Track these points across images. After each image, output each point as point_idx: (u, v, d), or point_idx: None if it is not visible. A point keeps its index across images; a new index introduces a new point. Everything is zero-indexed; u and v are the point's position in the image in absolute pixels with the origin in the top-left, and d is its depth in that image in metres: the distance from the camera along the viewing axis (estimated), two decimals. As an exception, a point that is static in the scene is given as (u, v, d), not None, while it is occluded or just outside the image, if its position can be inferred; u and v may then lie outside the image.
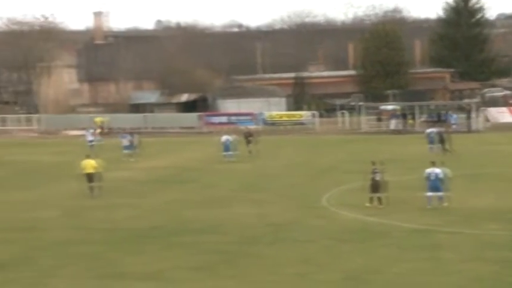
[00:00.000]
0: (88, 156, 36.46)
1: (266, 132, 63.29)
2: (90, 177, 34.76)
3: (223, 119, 70.30)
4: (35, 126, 70.31)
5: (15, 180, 40.87)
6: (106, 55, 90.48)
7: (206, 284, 21.05)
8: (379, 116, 68.81)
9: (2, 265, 23.27)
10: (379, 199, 30.79)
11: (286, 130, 66.38)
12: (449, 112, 65.98)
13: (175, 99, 79.69)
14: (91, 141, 51.94)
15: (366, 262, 22.84)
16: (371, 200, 30.85)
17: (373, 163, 31.62)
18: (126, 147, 47.51)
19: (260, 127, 67.43)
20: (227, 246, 25.17)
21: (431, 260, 22.84)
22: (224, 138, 46.94)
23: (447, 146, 47.50)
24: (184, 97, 79.80)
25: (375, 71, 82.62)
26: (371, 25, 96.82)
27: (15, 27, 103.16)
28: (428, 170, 30.43)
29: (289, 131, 66.04)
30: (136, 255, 24.14)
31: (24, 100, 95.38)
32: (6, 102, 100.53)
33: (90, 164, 35.02)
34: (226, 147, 46.50)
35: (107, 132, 62.42)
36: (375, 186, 30.89)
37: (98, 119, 68.27)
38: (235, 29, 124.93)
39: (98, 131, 54.90)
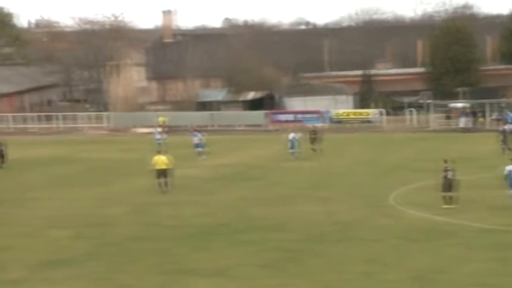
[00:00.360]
0: (159, 153, 37.37)
1: (332, 130, 63.07)
2: (161, 173, 35.53)
3: (290, 116, 70.24)
4: (104, 124, 71.52)
5: (86, 177, 41.68)
6: (174, 53, 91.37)
7: (272, 282, 21.13)
8: (448, 114, 67.77)
9: (72, 260, 23.80)
10: (451, 198, 30.38)
11: (352, 128, 65.99)
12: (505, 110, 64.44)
13: (242, 97, 79.96)
14: (159, 139, 52.64)
15: (433, 262, 22.60)
16: (445, 200, 30.35)
17: (445, 161, 31.20)
18: (197, 145, 47.90)
19: (326, 125, 67.21)
20: (293, 244, 25.22)
21: (500, 261, 22.46)
22: (291, 135, 47.04)
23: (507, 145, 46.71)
24: (250, 95, 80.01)
25: (444, 68, 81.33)
26: (441, 21, 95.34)
27: (86, 26, 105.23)
28: (509, 168, 29.79)
29: (355, 129, 65.63)
30: (203, 252, 24.39)
31: (94, 98, 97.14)
32: (77, 100, 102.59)
33: (161, 160, 35.81)
34: (292, 144, 46.62)
35: (167, 130, 62.97)
36: (447, 185, 30.46)
37: (161, 118, 69.04)
38: (303, 27, 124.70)
39: (159, 129, 55.47)
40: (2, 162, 46.02)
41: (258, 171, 42.35)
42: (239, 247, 24.89)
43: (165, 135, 54.26)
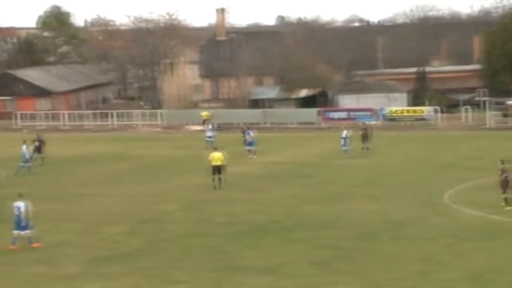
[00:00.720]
0: (215, 149, 37.79)
1: (386, 128, 62.51)
2: (216, 169, 35.97)
3: (343, 114, 69.77)
4: (158, 122, 72.04)
5: (140, 174, 42.04)
6: (227, 51, 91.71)
7: (323, 280, 21.02)
8: (506, 111, 66.55)
9: (125, 256, 24.03)
10: (506, 199, 29.78)
11: (406, 126, 65.26)
12: None
13: (294, 95, 79.80)
14: (210, 136, 52.77)
15: (488, 261, 22.22)
16: (506, 201, 29.75)
17: (502, 162, 30.57)
18: (250, 143, 47.86)
19: (379, 123, 66.65)
20: (344, 242, 25.06)
21: (559, 261, 21.97)
22: (344, 133, 46.77)
23: None
24: (303, 92, 79.78)
25: (500, 65, 79.88)
26: (498, 17, 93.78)
27: (141, 25, 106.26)
28: None
29: (409, 127, 64.89)
30: (255, 249, 24.40)
31: (148, 96, 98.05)
32: (132, 98, 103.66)
33: (217, 157, 36.20)
34: (345, 142, 46.36)
35: (217, 127, 63.04)
36: (505, 185, 29.86)
37: (204, 113, 69.21)
38: (356, 24, 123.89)
39: (210, 126, 55.44)
40: (42, 158, 46.72)
41: (310, 169, 42.18)
42: (290, 245, 24.83)
43: (215, 133, 54.31)
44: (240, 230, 27.19)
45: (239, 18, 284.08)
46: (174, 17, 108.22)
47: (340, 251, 23.89)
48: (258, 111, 71.64)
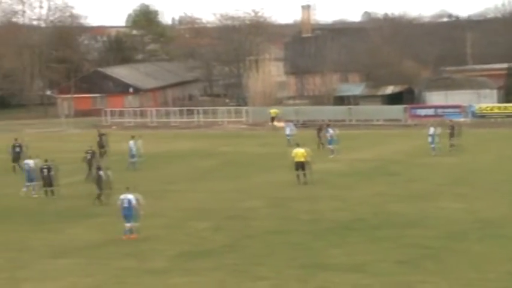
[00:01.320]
0: (298, 145, 37.91)
1: (475, 125, 61.22)
2: (300, 165, 36.23)
3: (430, 111, 68.72)
4: (243, 118, 72.49)
5: (225, 171, 42.41)
6: (312, 48, 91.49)
7: (410, 278, 20.77)
8: None
9: (211, 252, 24.29)
10: None
11: (497, 123, 63.81)
12: None
13: (380, 92, 78.93)
14: (289, 135, 52.60)
15: None
16: None
17: None
18: (330, 142, 47.57)
19: (468, 120, 65.35)
20: (432, 241, 24.68)
21: None
22: (431, 130, 46.04)
23: None
24: (389, 89, 78.83)
25: None
26: None
27: (227, 22, 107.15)
28: None
29: (500, 124, 63.42)
30: (340, 247, 24.30)
31: (234, 93, 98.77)
32: (217, 95, 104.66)
33: (300, 153, 36.46)
34: (432, 139, 45.61)
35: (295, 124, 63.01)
36: None
37: (273, 110, 69.07)
38: (445, 19, 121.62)
39: (280, 123, 55.25)
40: (105, 152, 47.84)
41: (396, 166, 41.70)
42: (376, 243, 24.62)
43: (294, 131, 53.96)
44: (325, 228, 27.12)
45: (325, 14, 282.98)
46: (259, 14, 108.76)
47: (427, 250, 23.54)
48: (343, 108, 71.22)
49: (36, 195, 35.52)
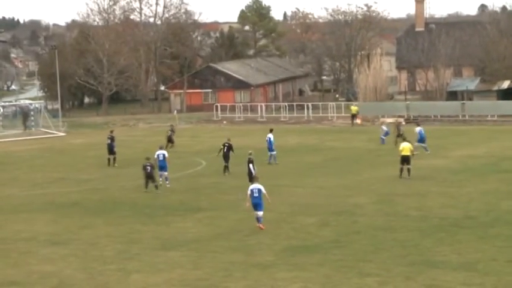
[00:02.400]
0: (404, 139, 37.92)
1: None
2: (405, 159, 36.40)
3: (549, 106, 66.27)
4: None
5: (332, 166, 42.24)
6: (425, 42, 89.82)
7: (522, 279, 20.12)
8: None
9: (317, 247, 24.23)
10: None
11: None
12: None
13: (495, 86, 76.73)
14: (386, 134, 51.20)
15: None
16: None
17: None
18: (419, 140, 46.32)
19: None
20: (547, 240, 23.81)
21: None
22: None
23: None
24: (505, 84, 76.47)
25: None
26: None
27: (339, 17, 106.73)
28: None
29: None
30: (450, 245, 23.77)
31: (344, 88, 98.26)
32: (328, 90, 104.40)
33: (407, 147, 36.64)
34: None
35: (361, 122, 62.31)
36: None
37: (354, 107, 67.87)
38: None
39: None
40: (171, 146, 49.96)
41: (510, 163, 40.42)
42: (487, 241, 23.95)
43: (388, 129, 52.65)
44: (434, 225, 26.60)
45: (439, 8, 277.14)
46: (372, 8, 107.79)
47: (542, 250, 22.74)
48: (456, 104, 69.59)
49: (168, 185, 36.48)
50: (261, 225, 26.84)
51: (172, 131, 52.98)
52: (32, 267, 23.24)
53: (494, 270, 20.93)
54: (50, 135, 67.72)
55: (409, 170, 36.42)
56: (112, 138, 45.00)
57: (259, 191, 26.96)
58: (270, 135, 43.88)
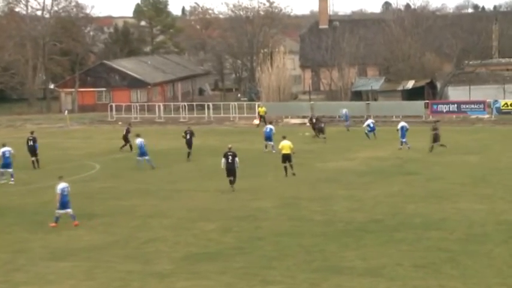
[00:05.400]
0: (284, 138, 39.46)
1: (499, 122, 60.90)
2: (286, 157, 38.36)
3: (452, 107, 68.56)
4: (256, 114, 72.34)
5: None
6: (329, 40, 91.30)
7: (428, 283, 20.70)
8: None
9: (219, 254, 24.27)
10: None
11: (523, 120, 63.51)
12: None
13: (400, 86, 78.71)
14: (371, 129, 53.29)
15: None
16: None
17: None
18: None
19: (492, 116, 65.14)
20: (452, 243, 24.59)
21: None
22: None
23: None
24: (410, 84, 78.56)
25: None
26: None
27: (240, 13, 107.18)
28: None
29: (526, 120, 63.12)
30: (355, 249, 24.23)
31: (246, 87, 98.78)
32: (229, 89, 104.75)
33: (287, 145, 38.58)
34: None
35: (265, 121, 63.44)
36: None
37: (261, 108, 68.82)
38: (469, 10, 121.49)
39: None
40: (124, 146, 50.11)
41: (415, 165, 41.59)
42: (393, 246, 24.54)
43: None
44: (340, 229, 27.07)
45: (343, 5, 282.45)
46: (274, 4, 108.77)
47: (447, 253, 23.45)
48: (361, 104, 71.08)
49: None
50: (75, 222, 28.68)
51: (128, 131, 51.64)
52: None
53: (399, 275, 21.46)
54: None
55: (291, 167, 38.22)
56: (34, 139, 44.91)
57: (66, 189, 29.04)
58: (141, 139, 43.61)
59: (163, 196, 34.54)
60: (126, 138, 50.86)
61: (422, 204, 30.85)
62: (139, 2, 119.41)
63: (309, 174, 39.18)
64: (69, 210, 28.97)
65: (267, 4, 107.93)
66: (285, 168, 38.39)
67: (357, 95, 78.06)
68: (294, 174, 38.26)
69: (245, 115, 72.53)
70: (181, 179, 39.34)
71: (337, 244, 25.00)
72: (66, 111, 79.01)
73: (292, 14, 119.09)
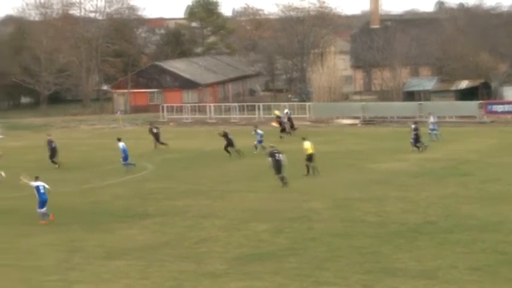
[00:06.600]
0: (304, 139, 40.01)
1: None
2: (312, 157, 39.02)
3: (508, 107, 67.48)
4: (306, 115, 72.19)
5: (286, 170, 42.15)
6: (381, 40, 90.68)
7: (483, 286, 20.44)
8: None
9: (271, 255, 24.27)
10: None
11: None
12: None
13: (453, 86, 77.83)
14: (433, 129, 52.16)
15: None
16: None
17: None
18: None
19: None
20: (509, 246, 24.22)
21: None
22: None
23: None
24: (463, 84, 77.66)
25: None
26: None
27: (291, 13, 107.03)
28: None
29: None
30: (409, 251, 24.03)
31: (297, 87, 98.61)
32: (280, 90, 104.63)
33: (312, 145, 39.32)
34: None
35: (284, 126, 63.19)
36: None
37: (276, 112, 68.25)
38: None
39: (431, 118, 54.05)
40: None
41: (470, 166, 41.07)
42: (447, 247, 24.27)
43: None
44: (393, 231, 26.86)
45: (395, 4, 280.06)
46: (325, 4, 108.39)
47: (503, 256, 23.11)
48: (413, 104, 70.38)
49: None
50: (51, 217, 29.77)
51: (152, 130, 53.20)
52: (-34, 279, 22.84)
53: (454, 278, 21.21)
54: (-17, 137, 66.63)
55: (314, 167, 39.10)
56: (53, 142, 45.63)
57: (44, 187, 30.14)
58: (123, 143, 43.71)
59: (215, 196, 34.68)
60: (157, 138, 51.60)
61: (477, 206, 30.46)
62: (191, 3, 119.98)
63: (360, 176, 38.97)
64: (43, 210, 30.15)
65: (318, 4, 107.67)
66: (307, 167, 38.95)
67: (409, 96, 77.38)
68: (319, 173, 38.89)
69: (296, 115, 72.26)
70: (232, 179, 39.43)
71: (390, 245, 24.82)
72: (118, 112, 79.77)
73: (343, 14, 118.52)
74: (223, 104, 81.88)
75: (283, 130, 57.54)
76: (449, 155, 45.67)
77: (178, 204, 33.01)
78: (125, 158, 43.16)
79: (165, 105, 78.95)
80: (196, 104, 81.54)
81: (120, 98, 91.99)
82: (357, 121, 67.94)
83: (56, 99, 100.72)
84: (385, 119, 67.41)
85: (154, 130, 53.53)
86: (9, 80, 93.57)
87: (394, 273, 21.78)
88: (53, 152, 45.28)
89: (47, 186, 30.48)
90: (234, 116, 74.87)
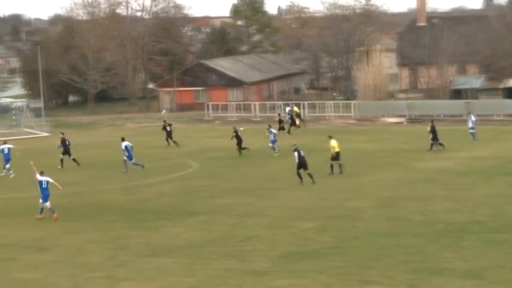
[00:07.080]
0: (331, 137, 40.37)
1: None
2: (338, 156, 39.31)
3: (558, 105, 66.40)
4: (352, 113, 71.89)
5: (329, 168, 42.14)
6: (428, 38, 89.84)
7: (533, 287, 20.13)
8: None
9: (316, 253, 24.21)
10: None
11: None
12: None
13: (502, 84, 76.84)
14: (472, 128, 51.66)
15: None
16: None
17: None
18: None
19: None
20: (558, 247, 23.83)
21: None
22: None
23: None
24: (512, 82, 76.68)
25: None
26: None
27: (336, 11, 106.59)
28: None
29: None
30: (455, 251, 23.79)
31: (342, 86, 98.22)
32: (325, 88, 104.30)
33: (338, 144, 39.69)
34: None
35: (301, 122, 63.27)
36: None
37: (295, 108, 67.68)
38: None
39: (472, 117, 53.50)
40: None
41: (518, 165, 40.53)
42: (495, 247, 23.96)
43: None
44: (439, 230, 26.61)
45: (442, 2, 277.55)
46: (371, 2, 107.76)
47: (554, 256, 22.75)
48: (460, 103, 69.61)
49: None
50: (55, 215, 30.37)
51: (165, 127, 54.54)
52: (15, 274, 23.15)
53: (502, 279, 20.93)
54: (32, 135, 67.51)
55: (339, 165, 39.06)
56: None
57: (47, 182, 30.86)
58: (127, 143, 43.39)
59: (259, 195, 34.69)
60: (170, 135, 53.28)
61: (527, 206, 30.04)
62: (236, 1, 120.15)
63: (407, 174, 38.68)
64: (47, 204, 30.68)
65: (364, 2, 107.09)
66: (332, 166, 39.09)
67: (456, 94, 76.55)
68: (331, 174, 38.96)
69: (341, 114, 72.06)
70: (277, 177, 39.40)
71: (437, 245, 24.59)
72: (164, 110, 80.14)
73: (389, 11, 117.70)
74: (268, 102, 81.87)
75: (292, 125, 61.10)
76: (496, 154, 45.11)
77: (223, 202, 33.09)
78: (130, 158, 43.11)
79: (210, 103, 79.22)
80: (241, 102, 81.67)
81: (166, 96, 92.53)
82: (402, 119, 67.44)
83: (103, 98, 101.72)
84: (431, 117, 66.70)
85: (168, 128, 54.76)
86: (58, 79, 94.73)
87: (441, 273, 21.57)
88: (67, 150, 45.89)
89: (51, 180, 31.21)
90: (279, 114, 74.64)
